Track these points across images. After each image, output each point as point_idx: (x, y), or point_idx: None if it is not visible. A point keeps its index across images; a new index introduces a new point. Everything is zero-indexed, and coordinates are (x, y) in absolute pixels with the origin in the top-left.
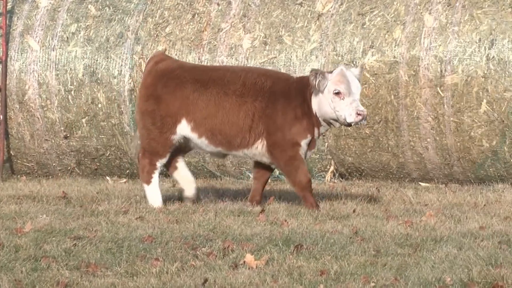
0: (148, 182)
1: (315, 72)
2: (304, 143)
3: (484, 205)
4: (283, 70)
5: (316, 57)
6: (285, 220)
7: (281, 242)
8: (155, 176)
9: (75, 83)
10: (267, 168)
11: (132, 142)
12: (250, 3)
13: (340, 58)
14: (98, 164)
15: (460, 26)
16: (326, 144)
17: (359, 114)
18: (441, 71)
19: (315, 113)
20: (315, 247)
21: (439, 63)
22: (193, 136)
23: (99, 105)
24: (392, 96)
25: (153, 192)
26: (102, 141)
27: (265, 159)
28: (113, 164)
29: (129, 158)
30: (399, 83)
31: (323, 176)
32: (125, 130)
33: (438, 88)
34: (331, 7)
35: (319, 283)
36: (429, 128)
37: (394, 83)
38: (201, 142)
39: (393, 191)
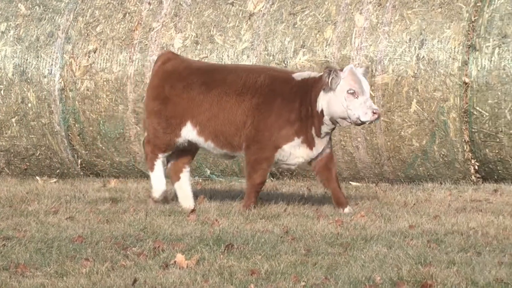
0: (152, 168)
1: (330, 70)
2: (288, 146)
3: (414, 204)
4: None
5: (248, 57)
6: (216, 220)
7: (211, 242)
8: (158, 163)
9: (4, 83)
10: (329, 170)
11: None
12: (181, 3)
13: (271, 57)
14: (28, 164)
15: (391, 26)
16: None
17: (374, 113)
18: (372, 70)
19: (320, 111)
20: (246, 246)
21: (369, 62)
22: (200, 140)
23: (29, 105)
24: None
25: (157, 178)
26: (32, 141)
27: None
28: (43, 164)
29: (59, 158)
30: None
31: None
32: (55, 130)
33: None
34: (263, 6)
35: (249, 282)
36: (359, 127)
37: None
38: (208, 145)
39: (324, 190)
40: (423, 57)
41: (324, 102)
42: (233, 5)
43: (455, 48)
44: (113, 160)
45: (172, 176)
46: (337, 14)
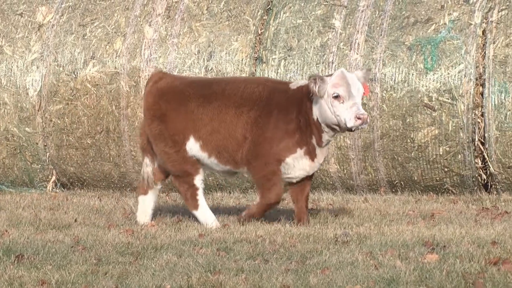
0: (196, 206)
1: (314, 78)
2: (291, 158)
3: None
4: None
5: (37, 68)
6: (6, 230)
7: (1, 252)
8: (201, 196)
9: None
10: (302, 187)
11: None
12: None
13: (61, 68)
14: None
15: (180, 38)
16: (48, 154)
17: (359, 118)
18: None
19: (316, 119)
20: (36, 256)
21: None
22: (203, 156)
23: None
24: (114, 107)
25: (205, 213)
26: None
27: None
28: None
29: None
30: (120, 93)
31: (44, 186)
32: None
33: None
34: (52, 18)
35: None
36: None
37: (115, 93)
38: (211, 161)
39: (115, 201)
40: (212, 68)
41: (316, 109)
42: (22, 16)
43: (242, 60)
44: None
45: (139, 188)
46: (127, 25)
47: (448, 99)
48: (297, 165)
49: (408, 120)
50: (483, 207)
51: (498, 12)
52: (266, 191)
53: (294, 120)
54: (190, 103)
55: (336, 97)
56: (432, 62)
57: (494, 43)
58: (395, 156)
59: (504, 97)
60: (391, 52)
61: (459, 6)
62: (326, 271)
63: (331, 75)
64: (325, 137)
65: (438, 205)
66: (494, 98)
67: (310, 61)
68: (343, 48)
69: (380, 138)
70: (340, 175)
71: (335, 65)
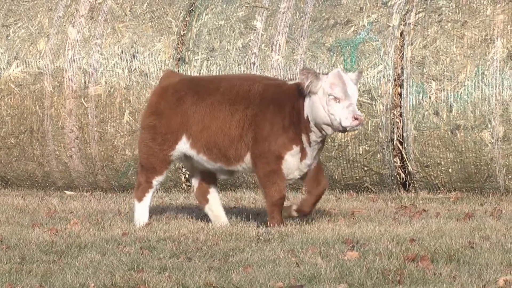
0: (140, 199)
1: (307, 72)
2: (289, 155)
3: (127, 212)
4: None
5: None
6: None
7: None
8: (149, 195)
9: None
10: (319, 179)
11: None
12: None
13: None
14: None
15: (103, 39)
16: None
17: (356, 119)
18: (85, 82)
19: (306, 117)
20: None
21: (83, 74)
22: (193, 153)
23: None
24: (37, 107)
25: (142, 210)
26: None
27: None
28: None
29: None
30: (44, 93)
31: None
32: None
33: (82, 99)
34: None
35: None
36: (73, 137)
37: (39, 93)
38: (200, 158)
39: (39, 200)
40: (135, 69)
41: (308, 107)
42: None
43: (165, 60)
44: None
45: (200, 200)
46: (50, 26)
47: (367, 99)
48: (295, 163)
49: None
50: (401, 205)
51: (416, 14)
52: (267, 189)
53: (288, 116)
54: (185, 103)
55: (334, 97)
56: (352, 63)
57: (412, 44)
58: None
59: (422, 98)
60: (311, 53)
61: (377, 8)
62: (248, 268)
63: (326, 73)
64: (313, 137)
65: (358, 203)
66: (412, 99)
67: (232, 62)
68: (264, 49)
69: None
70: None
71: (257, 66)
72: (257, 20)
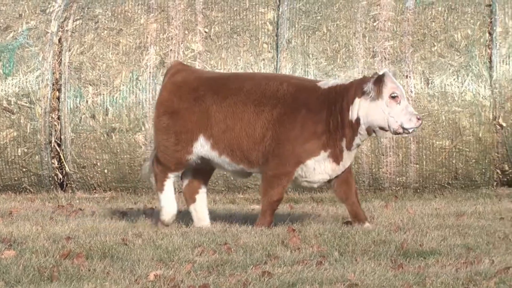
0: (161, 189)
1: (380, 77)
2: (312, 161)
3: None
4: None
5: None
6: None
7: None
8: (168, 182)
9: None
10: (348, 184)
11: (143, 165)
12: None
13: None
14: None
15: None
16: None
17: (418, 119)
18: None
19: (355, 121)
20: None
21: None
22: (214, 155)
23: None
24: None
25: (168, 199)
26: None
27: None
28: None
29: None
30: None
31: None
32: None
33: None
34: None
35: None
36: None
37: None
38: (223, 160)
39: None
40: None
41: (362, 110)
42: None
43: None
44: None
45: (186, 198)
46: None
47: (26, 103)
48: (317, 168)
49: None
50: (59, 205)
51: (73, 21)
52: (270, 189)
53: (323, 121)
54: (204, 102)
55: (395, 97)
56: (10, 67)
57: (69, 50)
58: None
59: (79, 101)
60: None
61: (36, 15)
62: None
63: (373, 76)
64: (357, 140)
65: (17, 203)
66: (70, 102)
67: None
68: None
69: None
70: None
71: None
72: None
